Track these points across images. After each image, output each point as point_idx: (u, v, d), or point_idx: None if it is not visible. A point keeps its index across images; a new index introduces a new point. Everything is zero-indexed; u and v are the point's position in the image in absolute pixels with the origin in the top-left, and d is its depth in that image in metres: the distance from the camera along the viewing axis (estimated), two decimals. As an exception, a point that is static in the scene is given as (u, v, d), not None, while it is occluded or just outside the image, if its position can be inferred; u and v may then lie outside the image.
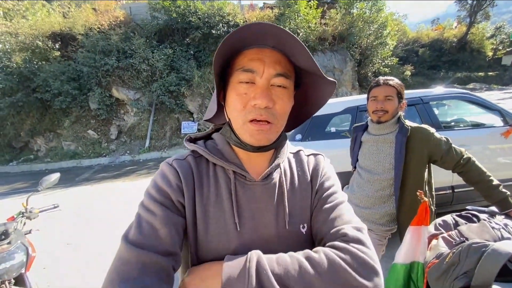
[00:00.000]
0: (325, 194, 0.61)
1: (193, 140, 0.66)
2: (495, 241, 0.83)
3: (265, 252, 0.54)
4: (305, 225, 0.60)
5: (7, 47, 10.18)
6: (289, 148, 0.68)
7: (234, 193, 0.57)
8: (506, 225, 0.90)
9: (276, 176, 0.61)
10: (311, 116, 0.67)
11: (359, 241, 0.51)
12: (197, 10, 10.69)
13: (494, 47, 23.11)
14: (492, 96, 14.23)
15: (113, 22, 10.93)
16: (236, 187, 0.58)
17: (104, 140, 10.14)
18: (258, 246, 0.54)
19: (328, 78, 0.57)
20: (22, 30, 10.07)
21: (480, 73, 20.71)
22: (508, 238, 0.85)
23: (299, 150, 0.70)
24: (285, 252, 0.55)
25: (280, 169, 0.62)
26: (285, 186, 0.60)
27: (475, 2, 23.37)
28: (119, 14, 11.31)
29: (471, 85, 18.87)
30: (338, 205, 0.59)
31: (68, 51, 10.35)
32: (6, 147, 10.33)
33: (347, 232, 0.52)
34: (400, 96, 1.42)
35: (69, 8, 11.28)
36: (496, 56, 22.57)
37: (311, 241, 0.60)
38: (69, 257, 3.21)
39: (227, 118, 0.60)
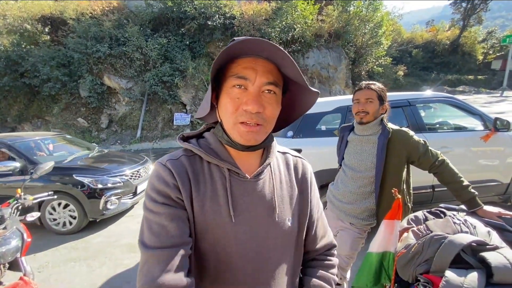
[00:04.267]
0: (318, 206, 0.78)
1: (185, 139, 0.70)
2: (454, 234, 0.94)
3: (257, 241, 0.62)
4: (290, 218, 0.68)
5: (-6, 28, 9.85)
6: (277, 147, 0.75)
7: (229, 188, 0.62)
8: (465, 220, 1.02)
9: (266, 173, 0.68)
10: (295, 120, 0.75)
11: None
12: (194, 0, 10.54)
13: (485, 51, 23.60)
14: (479, 99, 14.63)
15: (106, 8, 10.67)
16: (231, 183, 0.63)
17: (94, 128, 10.02)
18: (251, 236, 0.62)
19: (312, 88, 0.64)
20: (10, 12, 9.73)
21: (469, 76, 21.21)
22: (466, 232, 0.96)
23: (286, 152, 0.78)
24: (274, 241, 0.64)
25: (270, 167, 0.69)
26: (273, 183, 0.67)
27: (469, 5, 23.75)
28: (113, 0, 11.04)
29: (460, 88, 19.31)
30: (324, 219, 0.79)
31: (58, 36, 10.08)
32: (-8, 132, 10.09)
33: (335, 254, 0.79)
34: (381, 99, 1.52)
35: (60, -9, 10.93)
36: (486, 60, 23.10)
37: (296, 233, 0.69)
38: (59, 245, 3.25)
39: (218, 119, 0.65)
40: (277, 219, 0.65)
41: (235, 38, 0.56)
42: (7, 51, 9.39)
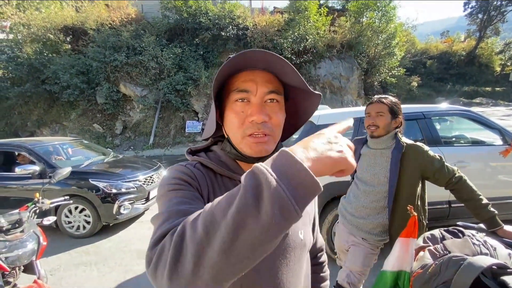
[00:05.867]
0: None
1: (193, 152, 0.69)
2: (473, 255, 0.90)
3: (273, 259, 0.59)
4: (302, 231, 0.65)
5: (19, 37, 10.41)
6: None
7: None
8: (485, 242, 0.98)
9: None
10: (301, 126, 0.74)
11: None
12: (208, 11, 10.85)
13: (503, 62, 23.00)
14: (498, 112, 14.19)
15: (125, 19, 11.12)
16: None
17: (109, 134, 10.29)
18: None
19: (314, 91, 0.63)
20: (35, 22, 10.29)
21: (487, 88, 20.66)
22: (486, 254, 0.92)
23: None
24: (291, 258, 0.61)
25: None
26: None
27: (485, 16, 23.36)
28: (131, 11, 11.51)
29: (477, 100, 18.82)
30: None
31: (79, 45, 10.55)
32: (12, 136, 10.50)
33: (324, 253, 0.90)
34: (393, 112, 1.50)
35: (82, 2, 11.49)
36: (504, 72, 22.47)
37: (305, 246, 0.66)
38: (71, 249, 3.31)
39: (225, 135, 0.65)
40: (289, 232, 0.62)
41: (230, 55, 0.56)
42: (30, 59, 9.87)
